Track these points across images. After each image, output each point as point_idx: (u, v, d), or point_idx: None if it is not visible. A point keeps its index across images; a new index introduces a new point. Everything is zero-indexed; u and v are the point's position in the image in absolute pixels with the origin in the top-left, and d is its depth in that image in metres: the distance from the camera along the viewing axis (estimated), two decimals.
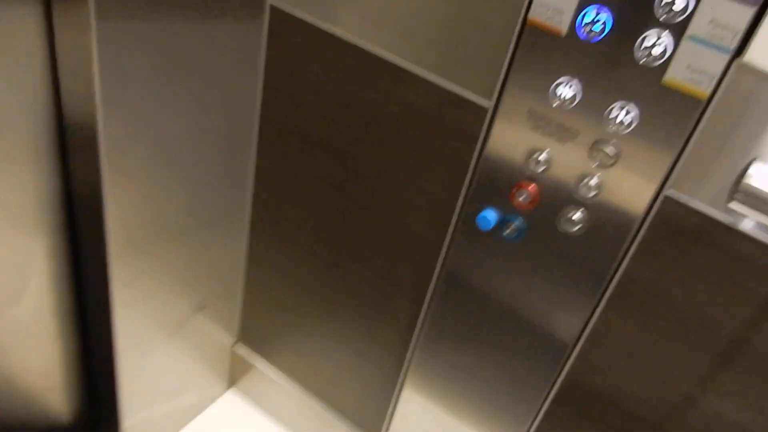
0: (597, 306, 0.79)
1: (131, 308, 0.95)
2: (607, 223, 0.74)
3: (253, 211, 1.09)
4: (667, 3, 0.61)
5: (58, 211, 0.85)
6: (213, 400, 1.30)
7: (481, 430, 1.00)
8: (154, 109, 0.81)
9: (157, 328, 1.03)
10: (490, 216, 0.80)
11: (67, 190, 0.85)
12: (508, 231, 0.80)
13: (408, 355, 1.02)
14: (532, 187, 0.77)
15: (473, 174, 0.82)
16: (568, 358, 0.85)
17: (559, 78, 0.70)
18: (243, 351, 1.26)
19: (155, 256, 0.95)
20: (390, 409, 1.09)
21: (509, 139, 0.76)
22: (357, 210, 0.96)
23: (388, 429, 1.11)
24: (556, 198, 0.76)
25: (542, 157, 0.75)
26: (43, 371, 0.96)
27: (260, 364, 1.24)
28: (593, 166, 0.72)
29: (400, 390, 1.06)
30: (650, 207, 0.71)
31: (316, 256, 1.05)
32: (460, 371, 0.97)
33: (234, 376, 1.30)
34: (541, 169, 0.75)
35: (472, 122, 0.79)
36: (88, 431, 1.11)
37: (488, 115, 0.77)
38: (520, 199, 0.78)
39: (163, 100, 0.82)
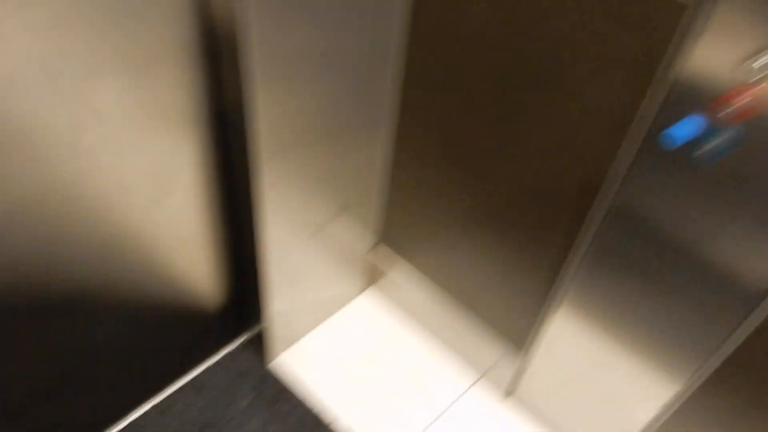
0: None
1: (277, 207, 0.95)
2: None
3: (399, 116, 1.02)
4: None
5: (210, 111, 0.85)
6: (353, 296, 1.31)
7: (642, 363, 0.93)
8: (301, 12, 0.76)
9: (302, 227, 1.03)
10: (678, 132, 0.67)
11: (220, 92, 0.84)
12: (702, 151, 0.67)
13: (566, 272, 0.94)
14: (743, 98, 0.62)
15: (664, 81, 0.68)
16: (759, 306, 0.73)
17: None
18: (384, 251, 1.24)
19: (301, 159, 0.93)
20: (539, 324, 1.04)
21: (719, 39, 0.61)
22: (517, 115, 0.85)
23: (534, 342, 1.06)
24: None
25: (762, 61, 0.59)
26: (195, 260, 0.99)
27: (401, 265, 1.22)
28: None
29: (553, 307, 1.00)
30: None
31: (467, 163, 0.97)
32: (626, 300, 0.89)
33: (374, 274, 1.30)
34: (758, 76, 0.60)
35: (667, 18, 0.64)
36: (235, 317, 1.16)
37: (692, 9, 0.62)
38: (725, 112, 0.64)
39: (309, 3, 0.76)
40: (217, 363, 1.16)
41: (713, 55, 0.63)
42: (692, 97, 0.66)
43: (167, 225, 0.90)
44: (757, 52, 0.60)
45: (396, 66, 0.96)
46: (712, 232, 0.72)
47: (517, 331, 1.09)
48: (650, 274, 0.83)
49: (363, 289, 1.32)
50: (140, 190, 0.83)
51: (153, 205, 0.86)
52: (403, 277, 1.23)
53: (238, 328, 1.19)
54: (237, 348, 1.19)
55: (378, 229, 1.22)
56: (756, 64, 0.60)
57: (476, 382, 1.21)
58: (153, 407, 1.09)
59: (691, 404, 0.91)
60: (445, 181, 1.04)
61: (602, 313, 0.93)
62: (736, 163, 0.66)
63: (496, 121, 0.89)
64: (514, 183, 0.93)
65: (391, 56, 0.94)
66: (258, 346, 1.18)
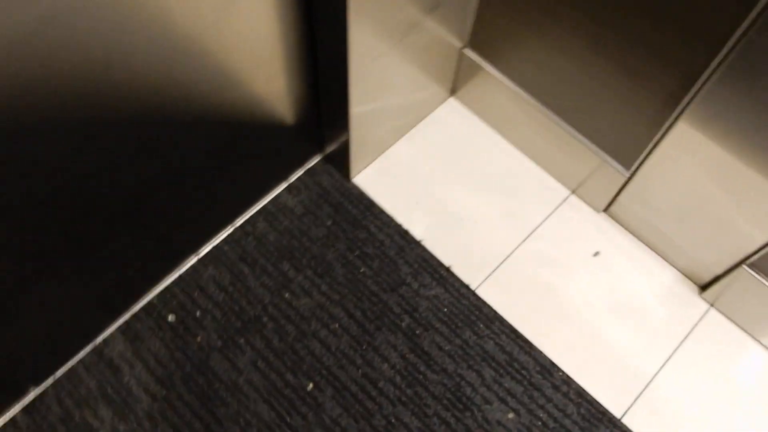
0: None
1: (364, 4, 0.81)
2: None
3: None
4: None
5: None
6: (436, 106, 1.19)
7: (763, 189, 0.82)
8: None
9: (391, 27, 0.90)
10: None
11: None
12: None
13: (698, 83, 0.80)
14: None
15: None
16: None
17: None
18: (474, 56, 1.09)
19: None
20: (654, 140, 0.92)
21: None
22: None
23: (645, 160, 0.96)
24: None
25: None
26: (270, 67, 0.88)
27: (492, 72, 1.08)
28: None
29: (673, 122, 0.87)
30: None
31: None
32: (763, 121, 0.76)
33: (461, 81, 1.17)
34: None
35: None
36: (314, 132, 1.07)
37: None
38: None
39: None
40: (297, 182, 1.10)
41: None
42: None
43: (240, 27, 0.78)
44: None
45: None
46: None
47: (627, 149, 0.98)
48: None
49: (446, 98, 1.20)
50: None
51: (225, 5, 0.73)
52: (493, 85, 1.10)
53: (317, 144, 1.11)
54: (316, 165, 1.12)
55: (468, 32, 1.06)
56: None
57: (569, 196, 1.13)
58: (233, 231, 1.06)
59: None
60: None
61: (729, 129, 0.82)
62: None
63: None
64: None
65: None
66: (338, 163, 1.10)
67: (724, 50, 0.76)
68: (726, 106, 0.81)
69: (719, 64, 0.77)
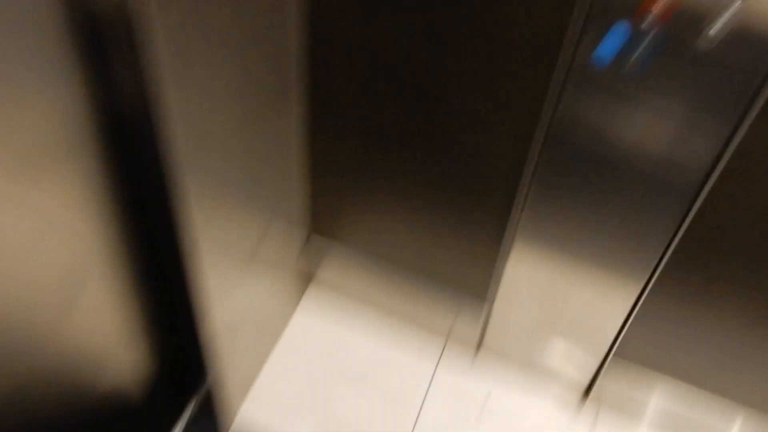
0: (737, 130, 0.70)
1: (210, 247, 0.83)
2: (755, 34, 0.63)
3: (308, 96, 0.94)
4: None
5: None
6: (295, 306, 1.22)
7: (599, 280, 0.95)
8: None
9: (237, 253, 0.93)
10: (606, 47, 0.68)
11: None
12: (631, 61, 0.68)
13: (514, 213, 0.94)
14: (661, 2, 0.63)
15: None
16: (700, 192, 0.79)
17: None
18: (317, 244, 1.16)
19: (221, 172, 0.81)
20: (497, 271, 1.03)
21: None
22: (441, 57, 0.82)
23: (497, 291, 1.05)
24: (692, 11, 0.63)
25: None
26: (115, 341, 0.86)
27: (339, 252, 1.16)
28: None
29: (508, 251, 0.99)
30: None
31: (392, 127, 0.93)
32: (575, 224, 0.90)
33: (312, 271, 1.23)
34: None
35: None
36: (176, 390, 1.03)
37: None
38: (647, 20, 0.65)
39: None
40: None
41: None
42: (616, 9, 0.66)
43: (83, 325, 0.77)
44: None
45: (293, 53, 0.87)
46: (649, 133, 0.75)
47: (478, 285, 1.08)
48: (592, 192, 0.85)
49: (303, 292, 1.24)
50: (49, 294, 0.69)
51: (66, 307, 0.72)
52: (344, 263, 1.17)
53: (183, 401, 1.05)
54: (188, 424, 1.05)
55: (307, 224, 1.15)
56: None
57: (444, 348, 1.19)
58: None
59: (652, 301, 0.96)
60: (368, 156, 0.98)
61: (554, 244, 0.95)
62: (658, 69, 0.69)
63: (418, 74, 0.85)
64: (446, 136, 0.90)
65: (285, 44, 0.85)
66: (210, 413, 1.05)
67: (523, 183, 0.90)
68: (546, 221, 0.93)
69: (527, 192, 0.90)
